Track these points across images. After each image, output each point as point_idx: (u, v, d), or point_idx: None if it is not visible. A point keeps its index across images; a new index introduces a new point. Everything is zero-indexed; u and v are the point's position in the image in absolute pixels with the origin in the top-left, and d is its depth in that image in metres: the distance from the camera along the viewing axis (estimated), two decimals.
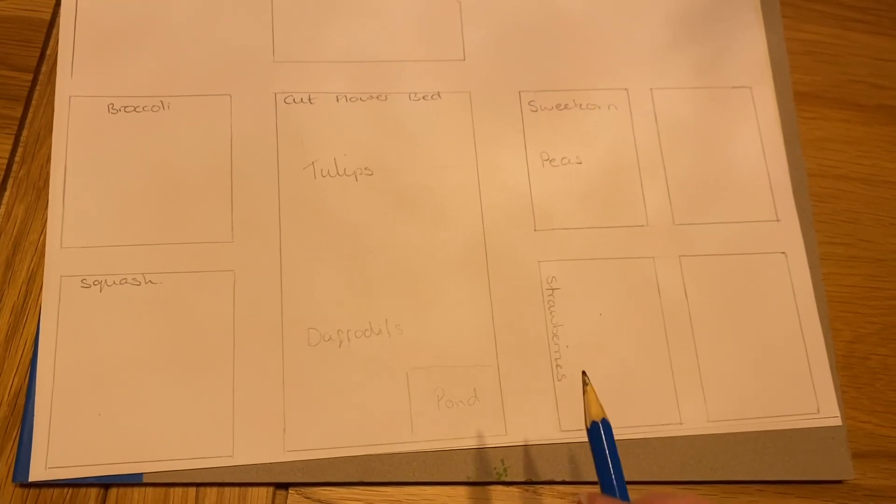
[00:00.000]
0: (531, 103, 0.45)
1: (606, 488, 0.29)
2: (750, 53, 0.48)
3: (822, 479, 0.40)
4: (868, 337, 0.43)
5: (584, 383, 0.32)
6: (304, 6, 0.45)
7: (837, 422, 0.41)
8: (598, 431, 0.30)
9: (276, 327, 0.39)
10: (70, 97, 0.42)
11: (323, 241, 0.41)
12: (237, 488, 0.37)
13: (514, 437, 0.39)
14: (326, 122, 0.43)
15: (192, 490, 0.37)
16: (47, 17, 0.44)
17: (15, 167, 0.41)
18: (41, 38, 0.44)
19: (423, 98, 0.44)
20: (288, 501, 0.37)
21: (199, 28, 0.44)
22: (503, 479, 0.38)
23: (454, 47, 0.45)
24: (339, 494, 0.37)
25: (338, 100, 0.43)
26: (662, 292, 0.42)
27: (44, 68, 0.43)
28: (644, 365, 0.41)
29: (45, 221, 0.40)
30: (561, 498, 0.38)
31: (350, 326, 0.40)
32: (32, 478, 0.36)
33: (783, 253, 0.44)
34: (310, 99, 0.43)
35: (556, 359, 0.40)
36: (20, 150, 0.42)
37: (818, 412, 0.41)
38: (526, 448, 0.39)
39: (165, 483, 0.37)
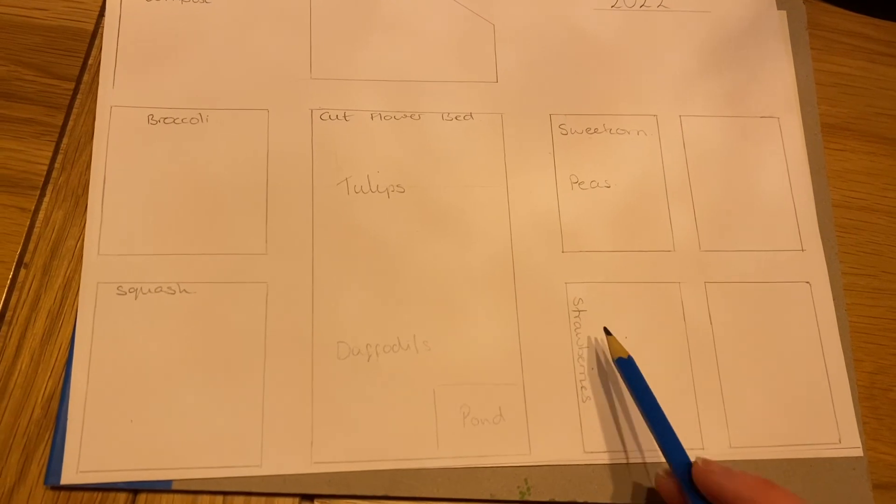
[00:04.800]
0: (561, 126, 0.46)
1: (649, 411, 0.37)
2: (778, 84, 0.48)
3: None
4: (890, 368, 0.44)
5: (607, 332, 0.40)
6: (341, 25, 0.46)
7: (859, 452, 0.41)
8: (629, 365, 0.38)
9: (306, 340, 0.40)
10: (111, 107, 0.43)
11: (354, 255, 0.41)
12: (264, 498, 0.37)
13: (538, 457, 0.39)
14: (361, 139, 0.44)
15: (220, 498, 0.37)
16: (90, 27, 0.45)
17: (55, 174, 0.42)
18: (83, 47, 0.45)
19: (456, 118, 0.45)
20: None
21: (238, 43, 0.45)
22: (526, 497, 0.38)
23: (487, 69, 0.46)
24: None
25: (372, 117, 0.44)
26: (688, 317, 0.42)
27: (85, 77, 0.44)
28: (668, 389, 0.41)
29: (83, 228, 0.41)
30: None
31: (379, 341, 0.40)
32: (64, 481, 0.36)
33: (807, 282, 0.44)
34: (345, 116, 0.44)
35: (580, 380, 0.41)
36: (60, 157, 0.42)
37: (839, 442, 0.41)
38: (550, 468, 0.39)
39: (193, 490, 0.37)
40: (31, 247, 0.40)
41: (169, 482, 0.37)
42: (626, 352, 0.39)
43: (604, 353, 0.41)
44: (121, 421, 0.37)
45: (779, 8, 0.50)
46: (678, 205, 0.45)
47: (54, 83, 0.44)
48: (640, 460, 0.40)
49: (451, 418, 0.39)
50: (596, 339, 0.41)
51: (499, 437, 0.39)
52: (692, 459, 0.35)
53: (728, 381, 0.42)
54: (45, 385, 0.38)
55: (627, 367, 0.39)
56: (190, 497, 0.37)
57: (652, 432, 0.37)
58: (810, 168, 0.47)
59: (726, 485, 0.33)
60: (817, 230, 0.45)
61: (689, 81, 0.48)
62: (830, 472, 0.41)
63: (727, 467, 0.34)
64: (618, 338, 0.41)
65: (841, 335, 0.43)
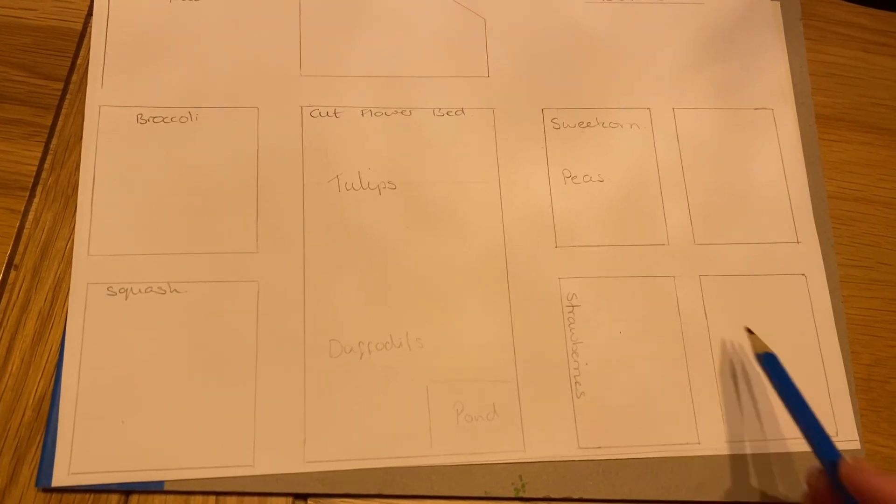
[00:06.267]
0: (554, 121, 0.45)
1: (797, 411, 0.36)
2: (772, 75, 0.48)
3: None
4: (888, 360, 0.43)
5: (750, 332, 0.41)
6: (331, 21, 0.46)
7: (856, 445, 0.41)
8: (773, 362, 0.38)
9: (298, 338, 0.39)
10: (100, 106, 0.42)
11: (346, 253, 0.41)
12: (257, 498, 0.37)
13: (533, 454, 0.39)
14: (351, 135, 0.43)
15: (212, 498, 0.37)
16: (78, 27, 0.45)
17: (44, 175, 0.42)
18: (72, 47, 0.44)
19: (447, 114, 0.45)
20: None
21: (227, 41, 0.44)
22: (521, 494, 0.38)
23: (479, 64, 0.46)
24: None
25: (363, 114, 0.44)
26: (682, 311, 0.42)
27: (74, 77, 0.44)
28: (663, 384, 0.41)
29: (73, 229, 0.40)
30: None
31: (371, 339, 0.40)
32: (55, 483, 0.36)
33: (803, 275, 0.44)
34: (335, 113, 0.44)
35: (574, 376, 0.40)
36: (49, 157, 0.42)
37: (837, 435, 0.41)
38: (544, 465, 0.39)
39: (186, 491, 0.37)
40: (20, 248, 0.40)
41: (161, 483, 0.37)
42: (768, 348, 0.39)
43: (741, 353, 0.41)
44: (112, 422, 0.37)
45: None
46: (672, 198, 0.44)
47: (43, 83, 0.43)
48: (635, 456, 0.39)
49: (444, 415, 0.39)
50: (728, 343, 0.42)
51: (493, 434, 0.39)
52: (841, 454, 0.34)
53: (723, 375, 0.41)
54: (35, 387, 0.38)
55: (771, 364, 0.38)
56: (182, 497, 0.37)
57: (799, 428, 0.36)
58: (805, 159, 0.46)
59: (884, 486, 0.30)
60: (812, 222, 0.45)
61: (682, 74, 0.47)
62: None
63: (879, 468, 0.31)
64: (612, 333, 0.41)
65: (837, 327, 0.43)
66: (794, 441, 0.40)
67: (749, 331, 0.41)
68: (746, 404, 0.41)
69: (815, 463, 0.35)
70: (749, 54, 0.48)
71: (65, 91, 0.44)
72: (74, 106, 0.43)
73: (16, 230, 0.40)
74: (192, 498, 0.37)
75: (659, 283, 0.43)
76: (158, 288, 0.39)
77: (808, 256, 0.44)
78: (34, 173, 0.41)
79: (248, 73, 0.44)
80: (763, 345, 0.39)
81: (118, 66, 0.43)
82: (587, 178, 0.44)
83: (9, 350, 0.38)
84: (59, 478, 0.36)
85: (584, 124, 0.45)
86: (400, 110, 0.44)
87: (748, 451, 0.40)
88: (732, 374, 0.41)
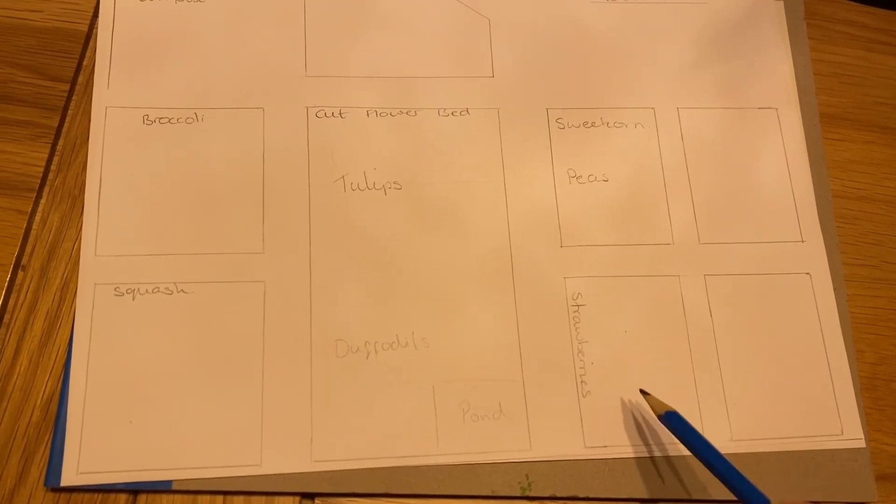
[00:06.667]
0: (559, 120, 0.45)
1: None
2: (776, 75, 0.48)
3: (844, 501, 0.40)
4: (892, 359, 0.43)
5: (644, 393, 0.39)
6: (336, 22, 0.46)
7: (861, 444, 0.41)
8: (677, 419, 0.37)
9: (304, 338, 0.40)
10: (106, 108, 0.43)
11: (352, 253, 0.41)
12: (264, 497, 0.37)
13: (539, 453, 0.39)
14: (357, 136, 0.43)
15: (220, 498, 0.37)
16: (84, 28, 0.45)
17: (51, 176, 0.42)
18: (78, 49, 0.44)
19: (452, 114, 0.45)
20: None
21: (233, 42, 0.45)
22: (528, 493, 0.38)
23: (483, 64, 0.46)
24: None
25: (368, 115, 0.44)
26: (687, 310, 0.42)
27: (80, 79, 0.44)
28: (668, 383, 0.41)
29: (80, 229, 0.40)
30: None
31: (377, 339, 0.40)
32: (64, 482, 0.36)
33: (808, 274, 0.44)
34: (341, 113, 0.44)
35: (580, 375, 0.41)
36: (56, 158, 0.42)
37: (842, 434, 0.41)
38: (550, 464, 0.39)
39: (193, 490, 0.37)
40: (28, 249, 0.40)
41: (169, 482, 0.37)
42: (669, 406, 0.38)
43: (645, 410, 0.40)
44: (120, 422, 0.37)
45: None
46: (677, 198, 0.44)
47: (49, 85, 0.44)
48: (641, 455, 0.39)
49: (450, 415, 0.39)
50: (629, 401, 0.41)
51: (499, 433, 0.39)
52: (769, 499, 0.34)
53: (729, 374, 0.41)
54: (44, 387, 0.38)
55: (676, 421, 0.37)
56: (190, 497, 0.37)
57: (722, 481, 0.35)
58: (809, 158, 0.46)
59: None
60: (817, 221, 0.45)
61: (686, 73, 0.47)
62: (833, 464, 0.40)
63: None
64: (618, 332, 0.41)
65: (842, 326, 0.43)
66: (799, 440, 0.41)
67: (644, 392, 0.40)
68: (751, 402, 0.41)
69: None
70: (753, 53, 0.48)
71: (71, 92, 0.44)
72: (81, 107, 0.43)
73: (23, 231, 0.40)
74: (200, 497, 0.37)
75: (664, 282, 0.43)
76: (165, 288, 0.40)
77: (813, 255, 0.44)
78: (41, 174, 0.42)
79: (254, 74, 0.44)
80: (662, 404, 0.38)
81: (124, 67, 0.44)
82: (592, 178, 0.44)
83: (17, 350, 0.38)
84: (68, 477, 0.36)
85: (589, 124, 0.46)
86: (405, 111, 0.44)
87: (753, 449, 0.40)
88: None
